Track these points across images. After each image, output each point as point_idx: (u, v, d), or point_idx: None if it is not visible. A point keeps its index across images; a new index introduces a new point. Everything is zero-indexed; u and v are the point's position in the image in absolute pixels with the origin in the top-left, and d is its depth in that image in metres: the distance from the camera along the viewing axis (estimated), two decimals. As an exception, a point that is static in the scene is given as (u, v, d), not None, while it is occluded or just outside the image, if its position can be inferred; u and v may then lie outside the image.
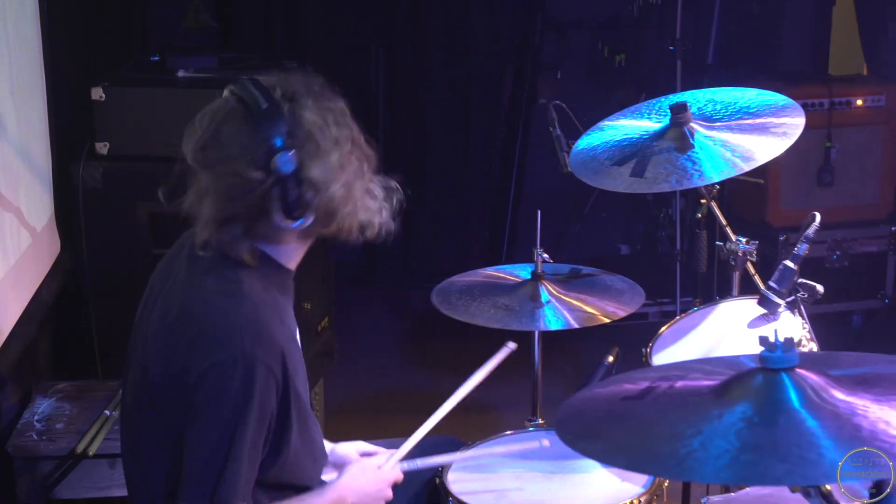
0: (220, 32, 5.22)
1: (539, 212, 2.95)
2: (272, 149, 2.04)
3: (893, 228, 5.43)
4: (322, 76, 2.23)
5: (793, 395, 1.48)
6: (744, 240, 2.99)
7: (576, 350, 4.23)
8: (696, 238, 3.40)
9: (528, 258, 2.97)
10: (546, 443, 2.58)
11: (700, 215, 3.32)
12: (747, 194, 5.51)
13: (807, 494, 1.46)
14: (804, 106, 5.10)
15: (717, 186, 3.17)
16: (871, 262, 5.42)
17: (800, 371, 1.52)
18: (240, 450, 2.04)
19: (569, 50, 6.16)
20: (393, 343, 5.36)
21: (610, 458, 1.44)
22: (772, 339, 1.53)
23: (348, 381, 4.64)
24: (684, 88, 5.28)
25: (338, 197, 2.12)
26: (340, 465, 2.47)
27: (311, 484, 2.31)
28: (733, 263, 3.00)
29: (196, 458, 2.06)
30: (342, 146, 2.13)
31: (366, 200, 2.21)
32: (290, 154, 2.05)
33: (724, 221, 3.01)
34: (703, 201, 3.32)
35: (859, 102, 5.35)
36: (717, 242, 3.04)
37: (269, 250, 2.18)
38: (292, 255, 2.23)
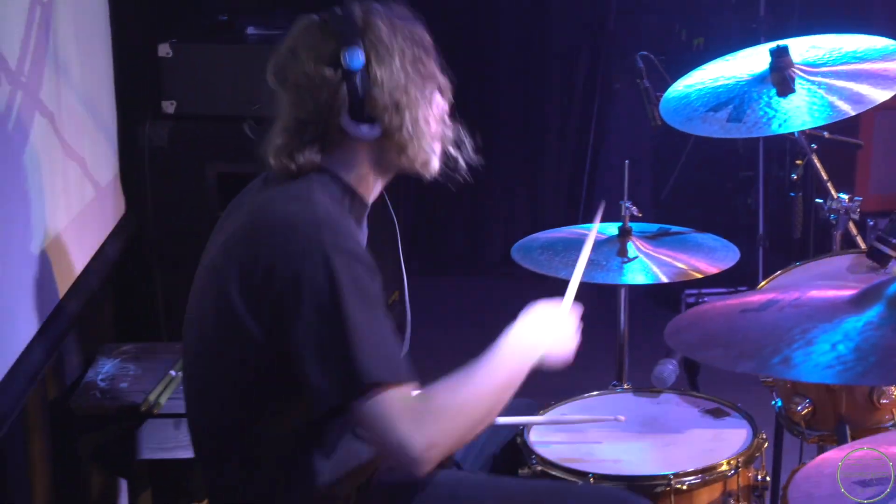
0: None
1: (627, 162, 2.79)
2: (340, 45, 2.01)
3: None
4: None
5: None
6: (846, 196, 2.81)
7: (655, 325, 4.05)
8: (791, 202, 3.22)
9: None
10: (622, 419, 2.40)
11: (796, 177, 3.14)
12: (833, 179, 5.31)
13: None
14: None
15: (815, 146, 3.01)
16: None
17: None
18: (357, 327, 1.92)
19: (645, 33, 6.04)
20: (461, 329, 5.21)
21: (734, 363, 1.28)
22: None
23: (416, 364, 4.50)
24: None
25: (405, 103, 2.04)
26: None
27: None
28: (834, 222, 2.82)
29: (312, 354, 1.92)
30: (410, 58, 2.07)
31: (435, 122, 2.12)
32: (359, 50, 2.00)
33: (825, 176, 2.83)
34: (798, 162, 3.16)
35: (954, 81, 5.12)
36: (817, 200, 2.86)
37: (343, 175, 2.09)
38: (368, 184, 2.14)
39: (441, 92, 2.13)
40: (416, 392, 1.99)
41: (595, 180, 6.00)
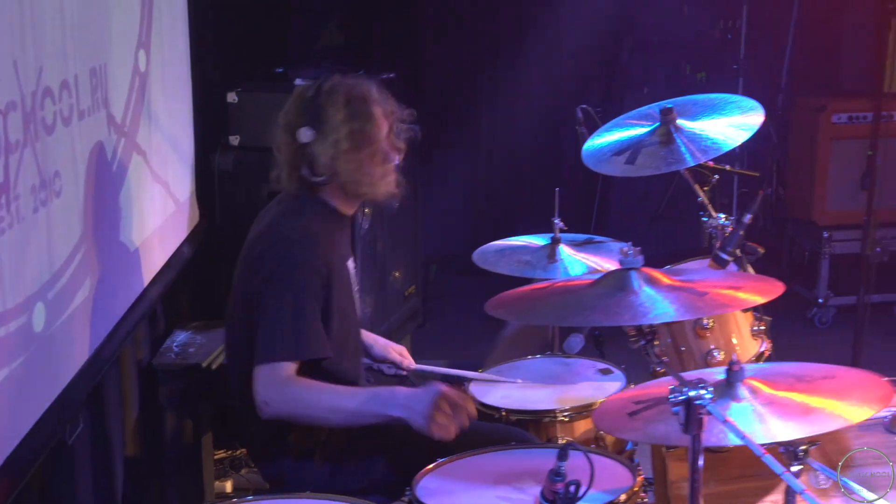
0: (349, 51, 6.18)
1: (557, 189, 3.79)
2: (299, 125, 3.06)
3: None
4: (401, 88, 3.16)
5: (634, 281, 2.33)
6: (723, 216, 3.72)
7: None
8: (700, 222, 4.12)
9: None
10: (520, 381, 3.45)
11: (701, 199, 4.07)
12: (796, 197, 6.24)
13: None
14: (850, 119, 5.82)
15: (716, 176, 3.94)
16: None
17: (644, 270, 2.35)
18: (302, 313, 2.95)
19: (655, 68, 6.91)
20: (478, 321, 6.08)
21: (518, 317, 2.32)
22: (626, 250, 2.36)
23: (432, 348, 5.41)
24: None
25: (341, 164, 3.05)
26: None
27: (352, 371, 3.19)
28: (714, 235, 3.75)
29: (268, 325, 2.95)
30: (349, 133, 3.06)
31: (374, 171, 3.11)
32: (309, 130, 3.04)
33: (706, 200, 3.77)
34: (705, 188, 4.09)
35: (902, 116, 6.00)
36: (703, 218, 3.78)
37: (328, 199, 3.14)
38: (344, 203, 3.17)
39: (382, 151, 3.12)
40: (292, 371, 2.93)
41: (608, 201, 6.91)
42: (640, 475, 2.71)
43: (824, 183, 6.02)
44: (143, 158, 3.78)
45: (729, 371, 2.46)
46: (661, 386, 2.67)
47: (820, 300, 6.01)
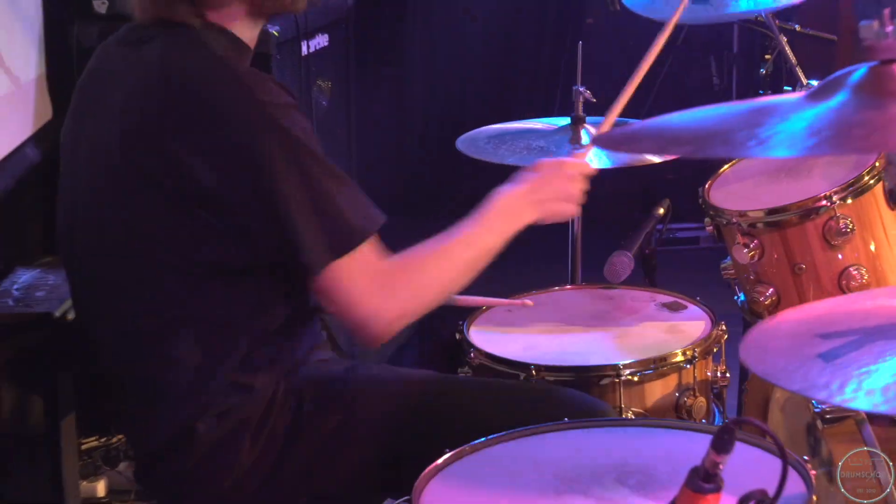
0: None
1: (580, 43, 2.63)
2: None
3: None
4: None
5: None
6: (815, 82, 2.66)
7: (615, 217, 3.89)
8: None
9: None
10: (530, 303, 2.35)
11: (764, 72, 3.00)
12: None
13: None
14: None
15: (785, 38, 2.87)
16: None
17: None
18: (327, 171, 1.86)
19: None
20: None
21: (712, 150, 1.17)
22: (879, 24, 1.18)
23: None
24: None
25: None
26: None
27: None
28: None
29: (295, 214, 1.83)
30: None
31: None
32: None
33: (794, 61, 2.67)
34: (767, 57, 3.03)
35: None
36: (786, 87, 2.72)
37: (224, 24, 1.96)
38: (245, 26, 1.99)
39: None
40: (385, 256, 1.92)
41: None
42: (811, 472, 1.56)
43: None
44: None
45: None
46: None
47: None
